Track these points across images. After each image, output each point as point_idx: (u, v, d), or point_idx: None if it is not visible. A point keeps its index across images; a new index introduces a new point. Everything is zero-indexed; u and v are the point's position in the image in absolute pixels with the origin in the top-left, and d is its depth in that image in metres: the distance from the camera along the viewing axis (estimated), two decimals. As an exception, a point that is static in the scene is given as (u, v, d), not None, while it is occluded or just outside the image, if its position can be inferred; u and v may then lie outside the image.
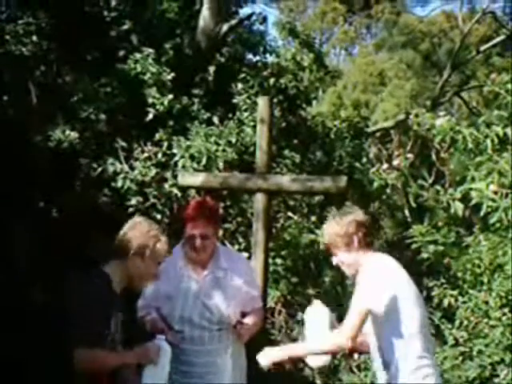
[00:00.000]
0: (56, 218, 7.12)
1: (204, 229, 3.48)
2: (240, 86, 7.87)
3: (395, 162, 5.36)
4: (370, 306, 3.03)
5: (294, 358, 3.41)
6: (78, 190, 7.22)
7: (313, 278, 7.85)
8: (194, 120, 7.40)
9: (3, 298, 5.68)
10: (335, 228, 3.22)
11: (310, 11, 25.17)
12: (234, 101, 7.73)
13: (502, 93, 4.87)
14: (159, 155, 7.06)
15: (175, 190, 6.81)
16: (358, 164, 8.25)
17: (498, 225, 4.66)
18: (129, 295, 3.30)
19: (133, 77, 7.50)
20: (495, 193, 4.33)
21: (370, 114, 17.43)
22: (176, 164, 6.95)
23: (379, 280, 3.05)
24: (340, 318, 3.27)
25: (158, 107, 7.29)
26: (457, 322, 5.76)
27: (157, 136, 7.20)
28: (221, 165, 6.85)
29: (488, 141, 4.65)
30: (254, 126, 5.93)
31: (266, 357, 3.20)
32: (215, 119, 7.42)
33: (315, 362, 3.32)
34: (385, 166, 5.41)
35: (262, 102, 4.74)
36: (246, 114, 7.49)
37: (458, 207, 4.87)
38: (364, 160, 8.56)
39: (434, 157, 5.40)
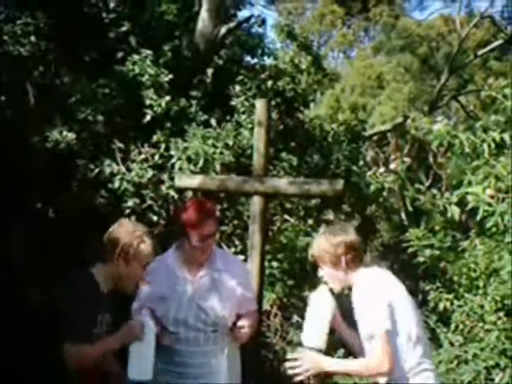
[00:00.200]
0: (53, 218, 7.11)
1: (211, 227, 3.46)
2: (238, 88, 7.86)
3: (392, 166, 5.38)
4: (387, 327, 3.01)
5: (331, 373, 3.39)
6: (75, 191, 7.19)
7: (309, 281, 7.85)
8: (192, 122, 7.39)
9: (1, 298, 5.68)
10: (325, 245, 3.21)
11: (309, 14, 25.21)
12: (232, 103, 7.72)
13: (500, 98, 4.89)
14: (156, 157, 7.06)
15: (172, 192, 6.80)
16: (355, 167, 8.23)
17: (494, 229, 4.68)
18: (120, 297, 3.31)
19: (131, 78, 7.48)
20: (492, 197, 4.35)
21: (368, 117, 17.44)
22: (173, 166, 6.94)
23: (378, 299, 3.05)
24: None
25: (155, 109, 7.27)
26: (452, 326, 5.77)
27: (154, 138, 7.19)
28: (218, 167, 6.84)
29: (485, 145, 4.67)
30: (252, 129, 5.92)
31: (313, 363, 3.14)
32: (213, 121, 7.40)
33: (309, 343, 3.28)
34: (382, 169, 5.43)
35: (260, 104, 4.73)
36: (243, 117, 7.49)
37: (455, 211, 4.88)
38: (361, 163, 8.56)
39: (431, 160, 5.41)
